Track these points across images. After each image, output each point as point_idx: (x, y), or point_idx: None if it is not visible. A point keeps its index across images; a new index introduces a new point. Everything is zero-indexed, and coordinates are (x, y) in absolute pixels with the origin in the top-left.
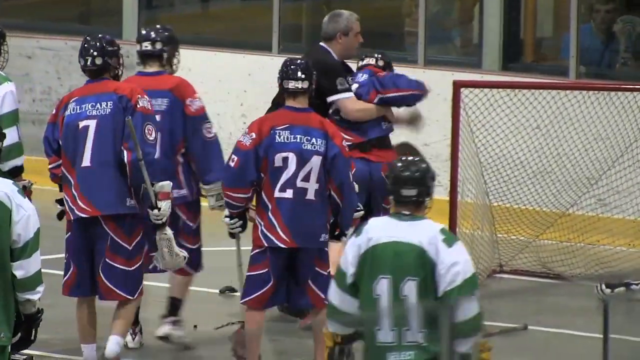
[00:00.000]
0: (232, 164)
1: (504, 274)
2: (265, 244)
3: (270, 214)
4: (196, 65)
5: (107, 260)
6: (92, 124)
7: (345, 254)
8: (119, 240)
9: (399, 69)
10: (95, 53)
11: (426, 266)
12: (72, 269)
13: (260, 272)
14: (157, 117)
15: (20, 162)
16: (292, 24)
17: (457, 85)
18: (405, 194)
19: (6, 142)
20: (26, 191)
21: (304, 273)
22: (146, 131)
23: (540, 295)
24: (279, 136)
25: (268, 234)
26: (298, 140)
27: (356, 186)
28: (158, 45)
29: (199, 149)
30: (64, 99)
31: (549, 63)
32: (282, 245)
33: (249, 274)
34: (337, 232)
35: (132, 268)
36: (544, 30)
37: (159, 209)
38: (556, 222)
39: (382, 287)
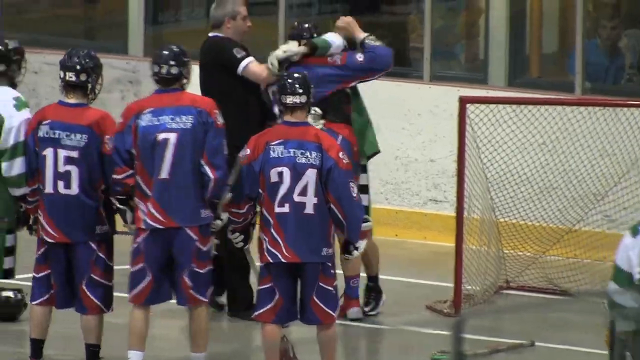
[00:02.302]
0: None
1: (510, 290)
2: (271, 260)
3: (272, 229)
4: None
5: (193, 266)
6: (172, 136)
7: (624, 253)
8: (201, 247)
9: (404, 84)
10: (172, 62)
11: None
12: (148, 277)
13: (266, 286)
14: (75, 153)
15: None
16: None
17: (463, 102)
18: None
19: (18, 171)
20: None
21: (309, 288)
22: (225, 148)
23: (547, 311)
24: (273, 151)
25: (272, 250)
26: (292, 154)
27: (363, 198)
28: (82, 77)
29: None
30: (132, 108)
31: (554, 79)
32: (284, 261)
33: (257, 288)
34: (347, 248)
35: (205, 270)
36: (550, 46)
37: (222, 220)
38: (562, 238)
39: None
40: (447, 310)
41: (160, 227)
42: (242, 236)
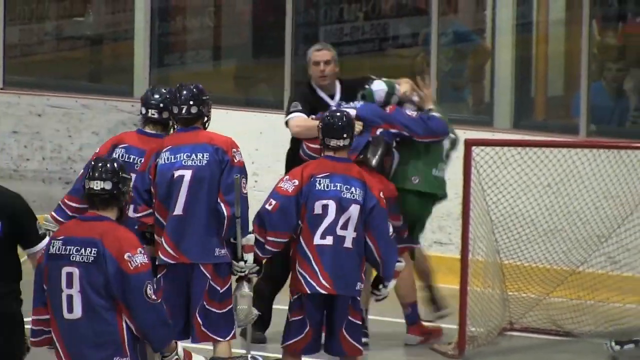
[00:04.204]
0: (269, 208)
1: (514, 331)
2: (308, 291)
3: (311, 261)
4: None
5: (204, 304)
6: (187, 173)
7: None
8: (215, 285)
9: None
10: (191, 102)
11: None
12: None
13: (298, 318)
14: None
15: None
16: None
17: (469, 144)
18: None
19: None
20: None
21: (339, 321)
22: (243, 186)
23: (550, 352)
24: (319, 184)
25: (310, 281)
26: (338, 188)
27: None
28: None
29: None
30: (153, 148)
31: (559, 121)
32: (323, 292)
33: (289, 319)
34: (378, 285)
35: (224, 311)
36: (555, 89)
37: (245, 262)
38: (566, 279)
39: None
40: (452, 352)
41: (172, 262)
42: (258, 267)
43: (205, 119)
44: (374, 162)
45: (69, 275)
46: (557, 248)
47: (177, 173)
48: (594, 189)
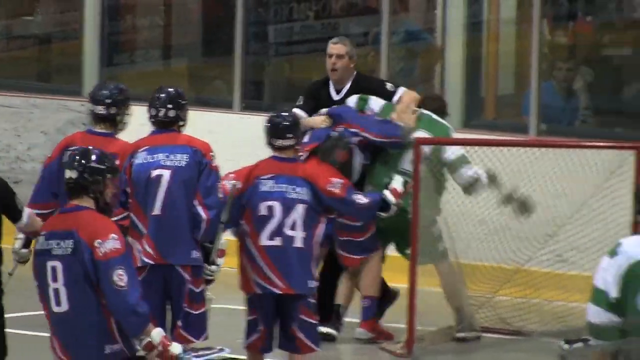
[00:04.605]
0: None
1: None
2: (259, 291)
3: (260, 262)
4: None
5: (185, 306)
6: (165, 173)
7: (602, 275)
8: (193, 288)
9: None
10: (169, 105)
11: None
12: None
13: (252, 317)
14: None
15: None
16: (254, 81)
17: (418, 143)
18: None
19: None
20: None
21: (291, 320)
22: (221, 190)
23: (500, 351)
24: (264, 185)
25: (261, 281)
26: (283, 189)
27: None
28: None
29: None
30: (127, 149)
31: (510, 120)
32: (277, 292)
33: (247, 319)
34: None
35: (200, 312)
36: (506, 88)
37: (217, 266)
38: (513, 278)
39: None
40: (400, 351)
41: (152, 262)
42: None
43: (182, 122)
44: (321, 154)
45: (53, 269)
46: (506, 246)
47: (154, 172)
48: (542, 188)
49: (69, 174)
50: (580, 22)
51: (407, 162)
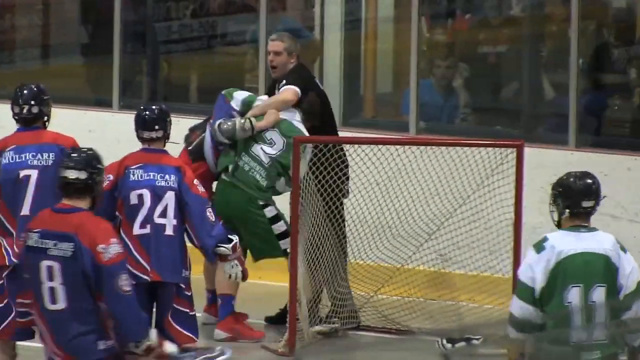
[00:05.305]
0: None
1: (348, 330)
2: (133, 282)
3: (133, 251)
4: None
5: None
6: (33, 173)
7: (528, 270)
8: None
9: None
10: (32, 102)
11: (612, 272)
12: (13, 314)
13: None
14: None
15: None
16: (133, 79)
17: (297, 142)
18: (586, 205)
19: None
20: None
21: (164, 309)
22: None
23: (382, 350)
24: (133, 175)
25: (134, 271)
26: (152, 177)
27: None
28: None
29: None
30: None
31: (389, 119)
32: (148, 279)
33: None
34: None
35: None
36: (384, 86)
37: None
38: (394, 276)
39: (573, 294)
40: (282, 349)
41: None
42: None
43: (46, 118)
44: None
45: (49, 269)
46: (386, 245)
47: (22, 173)
48: (422, 187)
49: (76, 174)
50: (459, 19)
51: (258, 148)
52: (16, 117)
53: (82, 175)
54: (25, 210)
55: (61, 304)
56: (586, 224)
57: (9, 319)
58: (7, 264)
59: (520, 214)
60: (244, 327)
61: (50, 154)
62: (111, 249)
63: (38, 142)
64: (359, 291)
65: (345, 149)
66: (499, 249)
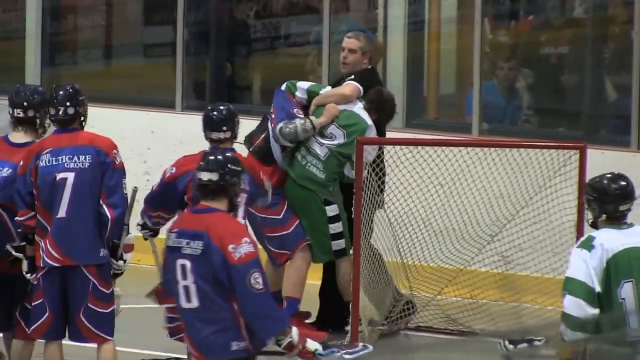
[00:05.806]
0: None
1: (409, 330)
2: (41, 264)
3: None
4: (98, 123)
5: (89, 304)
6: (69, 176)
7: (584, 268)
8: (99, 286)
9: None
10: (68, 103)
11: None
12: (47, 313)
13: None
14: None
15: None
16: (196, 81)
17: (360, 143)
18: (623, 209)
19: None
20: None
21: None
22: (124, 187)
23: (444, 351)
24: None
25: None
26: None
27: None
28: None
29: None
30: (33, 149)
31: (452, 120)
32: (57, 265)
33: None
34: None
35: (109, 310)
36: (447, 87)
37: (125, 261)
38: (456, 278)
39: (626, 290)
40: None
41: (57, 265)
42: None
43: (82, 118)
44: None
45: (183, 267)
46: (450, 247)
47: (59, 175)
48: (485, 188)
49: (208, 176)
50: (521, 21)
51: (314, 141)
52: (52, 119)
53: (214, 177)
54: (62, 213)
55: (194, 303)
56: (625, 221)
57: (42, 319)
58: (42, 265)
59: (583, 216)
60: (307, 330)
61: (87, 156)
62: (242, 249)
63: (74, 144)
64: (422, 292)
65: (409, 150)
66: (562, 251)
